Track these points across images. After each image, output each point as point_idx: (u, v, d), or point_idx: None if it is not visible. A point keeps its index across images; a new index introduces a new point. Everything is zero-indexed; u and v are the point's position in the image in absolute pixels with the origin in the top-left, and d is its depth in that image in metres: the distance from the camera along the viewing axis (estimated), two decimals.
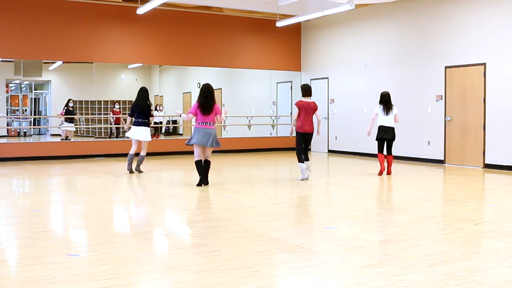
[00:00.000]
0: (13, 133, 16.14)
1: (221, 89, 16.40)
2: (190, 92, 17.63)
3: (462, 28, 11.02)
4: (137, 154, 9.91)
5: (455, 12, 11.17)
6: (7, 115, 16.15)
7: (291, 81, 16.21)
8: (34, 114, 16.99)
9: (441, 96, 11.51)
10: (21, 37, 12.31)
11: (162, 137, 16.69)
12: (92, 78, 14.30)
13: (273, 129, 16.06)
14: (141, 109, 9.64)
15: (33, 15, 12.42)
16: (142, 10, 11.73)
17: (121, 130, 15.67)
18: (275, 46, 15.48)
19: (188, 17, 14.11)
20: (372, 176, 9.48)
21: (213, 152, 8.20)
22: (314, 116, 8.72)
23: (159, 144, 14.17)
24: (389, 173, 9.56)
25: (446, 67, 11.39)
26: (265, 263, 3.99)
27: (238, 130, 15.50)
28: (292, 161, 11.76)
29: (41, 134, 17.08)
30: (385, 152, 9.70)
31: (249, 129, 14.91)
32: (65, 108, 14.57)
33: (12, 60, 13.92)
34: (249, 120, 14.86)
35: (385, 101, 9.48)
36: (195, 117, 8.03)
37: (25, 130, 16.49)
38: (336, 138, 14.71)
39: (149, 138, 9.79)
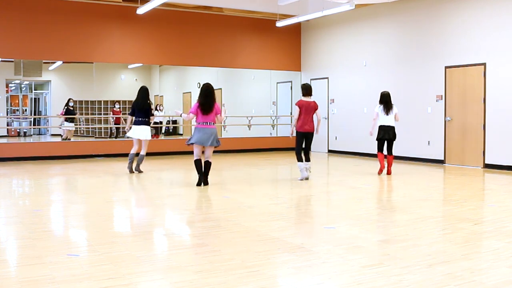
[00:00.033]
0: (13, 133, 16.14)
1: (221, 89, 16.40)
2: (190, 92, 17.63)
3: (462, 28, 11.02)
4: (138, 154, 9.91)
5: (455, 12, 11.17)
6: (7, 115, 16.15)
7: (291, 81, 16.21)
8: (34, 114, 16.99)
9: (441, 96, 11.51)
10: (21, 37, 12.31)
11: (162, 137, 16.70)
12: (92, 78, 14.30)
13: (273, 129, 16.06)
14: (141, 108, 9.66)
15: (33, 15, 12.42)
16: (142, 10, 11.73)
17: (121, 130, 15.68)
18: (275, 46, 15.48)
19: (188, 17, 14.11)
20: (372, 176, 9.48)
21: (213, 152, 8.18)
22: (314, 115, 8.71)
23: (159, 144, 14.18)
24: (389, 173, 9.56)
25: (446, 67, 11.39)
26: (265, 263, 3.99)
27: (238, 130, 15.50)
28: (292, 161, 11.75)
29: (41, 134, 17.07)
30: (385, 152, 9.72)
31: (249, 129, 14.91)
32: (65, 107, 14.57)
33: (12, 60, 13.92)
34: (249, 120, 14.86)
35: (385, 101, 9.49)
36: (195, 117, 8.02)
37: (25, 130, 16.49)
38: (336, 138, 14.71)
39: (149, 137, 9.80)
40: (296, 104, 8.73)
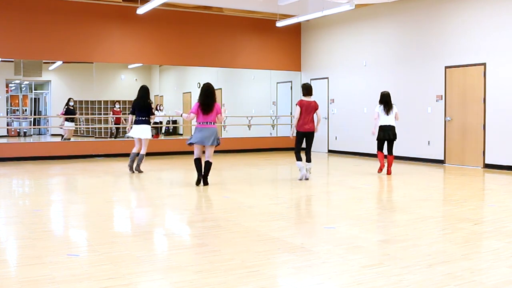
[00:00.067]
0: (13, 133, 16.14)
1: (221, 89, 16.40)
2: (190, 92, 17.63)
3: (462, 28, 11.02)
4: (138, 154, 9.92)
5: (455, 12, 11.17)
6: (7, 115, 16.15)
7: (291, 81, 16.21)
8: (34, 114, 16.99)
9: (441, 96, 11.51)
10: (21, 37, 12.31)
11: (162, 137, 16.69)
12: (92, 78, 14.30)
13: (273, 129, 16.06)
14: (141, 107, 9.66)
15: (33, 15, 12.42)
16: (142, 10, 11.73)
17: (121, 130, 15.68)
18: (275, 46, 15.48)
19: (188, 17, 14.11)
20: (372, 176, 9.48)
21: (213, 152, 8.18)
22: (314, 115, 8.71)
23: (159, 144, 14.18)
24: (389, 173, 9.56)
25: (446, 67, 11.39)
26: (265, 263, 3.99)
27: (238, 130, 15.50)
28: (292, 161, 11.75)
29: (41, 134, 17.07)
30: (385, 152, 9.73)
31: (249, 129, 14.91)
32: (66, 107, 14.56)
33: (12, 60, 13.92)
34: (249, 120, 14.86)
35: (385, 101, 9.50)
36: (196, 117, 8.02)
37: (25, 130, 16.49)
38: (336, 138, 14.71)
39: (149, 136, 9.81)
40: (296, 104, 8.72)
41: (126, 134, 10.10)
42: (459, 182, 8.86)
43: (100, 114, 16.32)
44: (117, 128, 15.76)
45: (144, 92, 9.82)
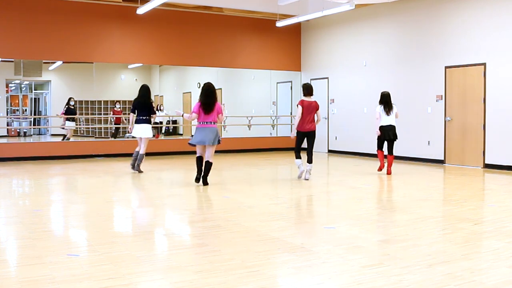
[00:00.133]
0: (13, 133, 16.14)
1: (221, 89, 16.39)
2: (190, 92, 17.63)
3: (462, 28, 11.02)
4: None
5: (455, 12, 11.17)
6: (7, 115, 16.14)
7: (291, 81, 16.21)
8: (34, 114, 16.98)
9: (441, 96, 11.51)
10: (21, 37, 12.31)
11: (162, 137, 16.69)
12: (92, 78, 14.30)
13: (273, 129, 16.06)
14: (142, 106, 9.67)
15: (33, 15, 12.42)
16: (142, 10, 11.73)
17: (121, 130, 15.68)
18: (275, 46, 15.48)
19: (188, 17, 14.11)
20: (372, 176, 9.48)
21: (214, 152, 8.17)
22: (314, 115, 8.71)
23: (159, 144, 14.18)
24: (389, 173, 9.56)
25: (446, 67, 11.39)
26: (265, 263, 3.99)
27: (238, 130, 15.49)
28: (292, 161, 11.75)
29: (41, 134, 17.07)
30: (386, 152, 9.73)
31: (249, 129, 14.91)
32: (66, 106, 14.55)
33: (12, 60, 13.92)
34: (249, 120, 14.86)
35: (386, 101, 9.51)
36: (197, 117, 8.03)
37: (25, 130, 16.48)
38: (336, 138, 14.71)
39: (150, 135, 9.82)
40: (298, 104, 8.72)
41: (127, 134, 10.09)
42: (459, 182, 8.86)
43: (100, 114, 16.32)
44: (117, 128, 15.76)
45: (145, 91, 9.82)
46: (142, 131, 9.68)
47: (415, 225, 5.32)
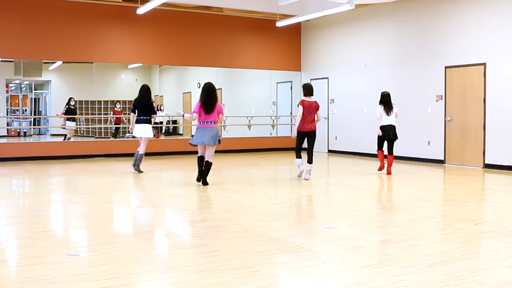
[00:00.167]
0: (13, 133, 16.13)
1: (221, 89, 16.39)
2: (190, 92, 17.63)
3: (462, 28, 11.02)
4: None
5: (455, 12, 11.17)
6: (7, 115, 16.14)
7: (291, 81, 16.21)
8: (34, 114, 16.98)
9: (441, 96, 11.51)
10: (21, 37, 12.31)
11: (162, 137, 16.70)
12: (92, 78, 14.30)
13: (273, 129, 16.06)
14: (143, 106, 9.67)
15: (33, 15, 12.42)
16: (142, 10, 11.73)
17: (120, 130, 15.68)
18: (275, 46, 15.48)
19: (188, 17, 14.11)
20: (372, 176, 9.48)
21: (214, 152, 8.17)
22: (315, 115, 8.72)
23: (159, 144, 14.18)
24: (389, 173, 9.57)
25: (446, 67, 11.39)
26: (265, 263, 3.99)
27: (238, 130, 15.50)
28: (292, 161, 11.75)
29: (41, 134, 17.07)
30: (386, 152, 9.74)
31: (249, 129, 14.91)
32: (67, 106, 14.55)
33: (12, 60, 13.92)
34: (249, 120, 14.86)
35: (386, 101, 9.52)
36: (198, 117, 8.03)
37: (25, 130, 16.48)
38: (336, 138, 14.71)
39: (150, 135, 9.82)
40: (299, 104, 8.73)
41: (127, 134, 10.10)
42: (459, 182, 8.86)
43: (100, 114, 16.31)
44: (117, 128, 15.76)
45: (145, 91, 9.82)
46: (143, 131, 9.69)
47: (415, 225, 5.32)
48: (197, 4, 13.51)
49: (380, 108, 9.52)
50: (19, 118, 16.82)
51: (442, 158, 11.50)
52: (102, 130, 16.44)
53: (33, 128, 16.64)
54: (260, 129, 15.57)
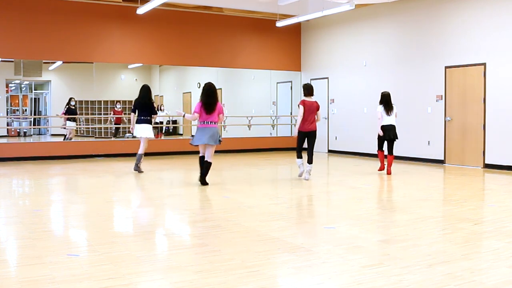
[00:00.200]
0: (13, 133, 16.14)
1: (221, 89, 16.39)
2: (190, 92, 17.63)
3: (462, 28, 11.02)
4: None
5: (455, 12, 11.17)
6: (7, 115, 16.14)
7: (291, 81, 16.21)
8: (34, 114, 16.99)
9: (441, 96, 11.51)
10: (21, 37, 12.31)
11: (162, 137, 16.70)
12: (92, 78, 14.30)
13: (273, 129, 16.06)
14: (143, 106, 9.67)
15: (33, 15, 12.42)
16: (142, 10, 11.73)
17: (121, 130, 15.67)
18: (275, 46, 15.48)
19: (188, 17, 14.11)
20: (372, 176, 9.48)
21: (214, 152, 8.17)
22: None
23: (159, 144, 14.17)
24: (389, 173, 9.57)
25: (446, 67, 11.39)
26: (265, 263, 3.99)
27: (238, 130, 15.50)
28: (292, 161, 11.76)
29: (41, 134, 17.07)
30: (386, 152, 9.74)
31: (249, 129, 14.91)
32: (67, 106, 14.55)
33: (12, 60, 13.92)
34: (249, 120, 14.86)
35: (386, 101, 9.53)
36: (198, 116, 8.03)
37: (25, 130, 16.48)
38: (336, 138, 14.71)
39: (151, 135, 9.82)
40: (299, 104, 8.73)
41: (127, 134, 10.10)
42: (459, 182, 8.86)
43: (100, 114, 16.32)
44: (117, 128, 15.76)
45: (145, 91, 9.82)
46: (143, 131, 9.69)
47: (415, 225, 5.32)
48: (197, 4, 13.51)
49: (381, 108, 9.53)
50: (19, 118, 16.82)
51: (442, 158, 11.50)
52: (102, 130, 16.45)
53: (33, 128, 16.64)
54: (260, 129, 15.57)
